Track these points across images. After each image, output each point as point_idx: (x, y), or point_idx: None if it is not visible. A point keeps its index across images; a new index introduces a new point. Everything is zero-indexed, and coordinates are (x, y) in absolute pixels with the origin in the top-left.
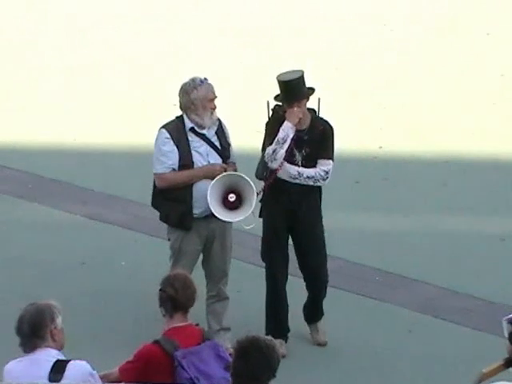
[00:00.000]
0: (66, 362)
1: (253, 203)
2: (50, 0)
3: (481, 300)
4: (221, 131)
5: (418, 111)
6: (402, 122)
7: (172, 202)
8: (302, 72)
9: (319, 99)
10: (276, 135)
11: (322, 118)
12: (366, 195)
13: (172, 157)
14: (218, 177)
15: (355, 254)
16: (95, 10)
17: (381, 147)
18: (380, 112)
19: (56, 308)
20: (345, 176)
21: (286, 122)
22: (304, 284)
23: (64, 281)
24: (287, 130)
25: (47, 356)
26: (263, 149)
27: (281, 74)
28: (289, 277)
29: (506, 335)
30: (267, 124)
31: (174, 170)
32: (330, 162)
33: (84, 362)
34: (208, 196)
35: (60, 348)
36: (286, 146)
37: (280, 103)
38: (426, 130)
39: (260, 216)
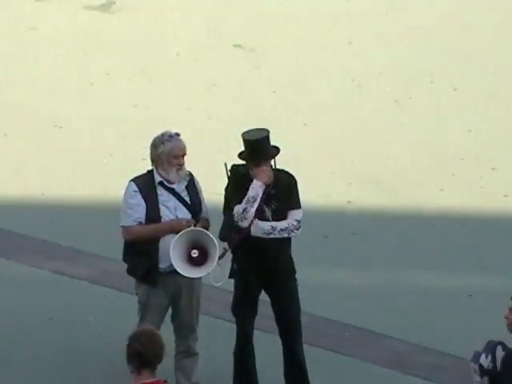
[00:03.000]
0: None
1: (215, 260)
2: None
3: (450, 356)
4: (192, 186)
5: (386, 166)
6: (370, 176)
7: (138, 255)
8: (268, 131)
9: None
10: (243, 194)
11: (283, 170)
12: (334, 250)
13: (139, 210)
14: (181, 232)
15: (324, 309)
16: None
17: (349, 202)
18: (348, 167)
19: None
20: (313, 230)
21: (255, 181)
22: (270, 339)
23: (31, 337)
24: (257, 189)
25: None
26: (225, 210)
27: (247, 133)
28: (257, 331)
29: (478, 378)
30: (228, 185)
31: (140, 223)
32: (300, 210)
33: None
34: (171, 251)
35: None
36: (256, 204)
37: (243, 162)
38: (394, 185)
39: (231, 277)
